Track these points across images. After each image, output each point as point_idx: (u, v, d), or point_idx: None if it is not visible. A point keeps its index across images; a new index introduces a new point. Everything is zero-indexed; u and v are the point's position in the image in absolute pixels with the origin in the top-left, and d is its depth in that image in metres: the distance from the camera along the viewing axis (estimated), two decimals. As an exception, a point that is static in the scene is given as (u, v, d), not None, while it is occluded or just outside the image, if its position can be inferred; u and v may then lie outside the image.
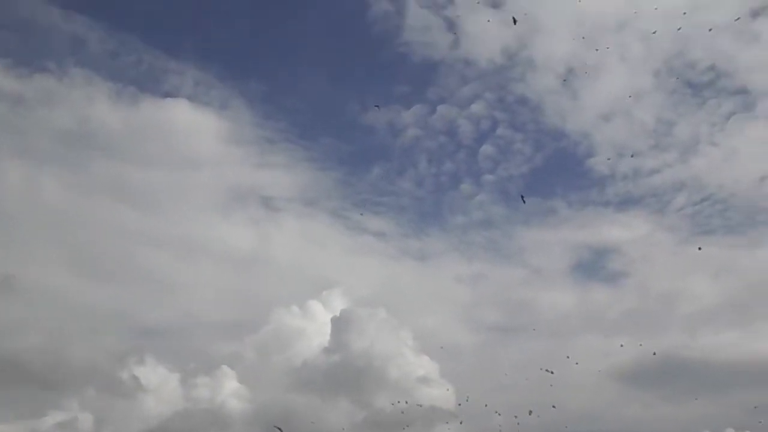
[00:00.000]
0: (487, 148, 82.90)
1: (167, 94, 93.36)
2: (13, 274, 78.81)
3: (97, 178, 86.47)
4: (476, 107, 75.17)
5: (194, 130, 78.63)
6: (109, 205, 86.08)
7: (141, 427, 58.43)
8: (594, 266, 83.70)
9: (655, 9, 31.44)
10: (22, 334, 66.41)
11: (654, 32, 30.45)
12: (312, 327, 65.75)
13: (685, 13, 31.90)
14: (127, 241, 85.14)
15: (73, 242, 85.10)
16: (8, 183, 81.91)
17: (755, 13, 31.55)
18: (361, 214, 71.87)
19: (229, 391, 61.77)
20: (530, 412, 35.79)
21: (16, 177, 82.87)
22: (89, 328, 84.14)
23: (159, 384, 62.49)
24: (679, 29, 31.92)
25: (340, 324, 65.19)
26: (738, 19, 31.32)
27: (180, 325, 78.24)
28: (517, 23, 28.06)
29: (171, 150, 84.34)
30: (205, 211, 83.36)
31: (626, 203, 76.83)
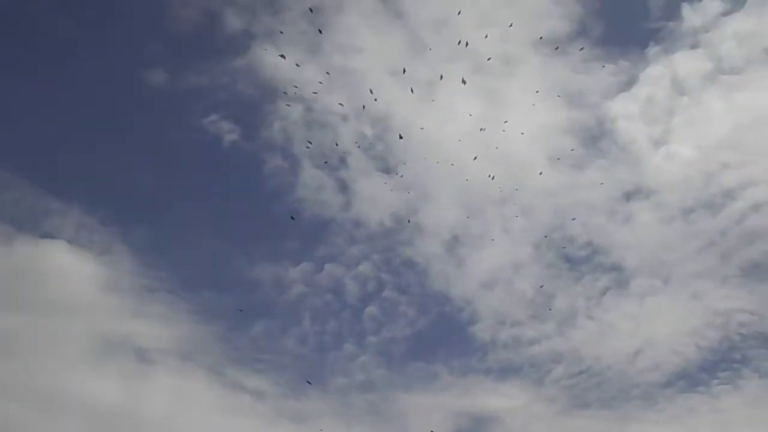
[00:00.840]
0: (372, 309, 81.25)
1: (45, 235, 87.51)
2: None
3: None
4: (363, 267, 74.69)
5: (70, 273, 74.40)
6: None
7: None
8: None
9: (535, 185, 32.63)
10: None
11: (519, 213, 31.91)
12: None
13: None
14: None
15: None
16: None
17: (628, 196, 33.31)
18: (254, 373, 69.42)
19: None
20: None
21: None
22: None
23: None
24: (557, 205, 33.19)
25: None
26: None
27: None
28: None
29: (42, 293, 78.47)
30: (72, 360, 77.64)
31: (506, 372, 76.55)
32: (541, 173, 31.72)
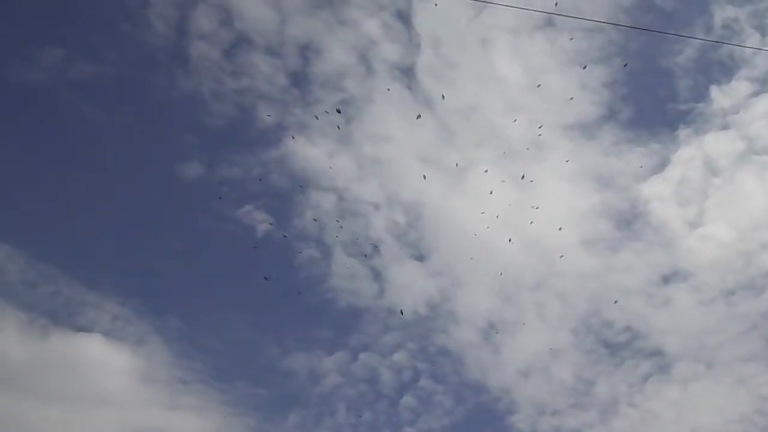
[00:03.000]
0: (408, 399, 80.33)
1: (81, 328, 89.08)
2: None
3: None
4: (398, 356, 74.20)
5: (105, 366, 75.02)
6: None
7: None
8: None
9: (569, 269, 32.31)
10: None
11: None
12: None
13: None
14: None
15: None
16: None
17: (666, 279, 32.82)
18: None
19: None
20: None
21: None
22: None
23: None
24: (593, 290, 32.76)
25: None
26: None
27: None
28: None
29: (78, 386, 79.40)
30: None
31: None
32: (561, 256, 31.57)
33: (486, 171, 25.82)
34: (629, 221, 33.96)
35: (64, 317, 38.13)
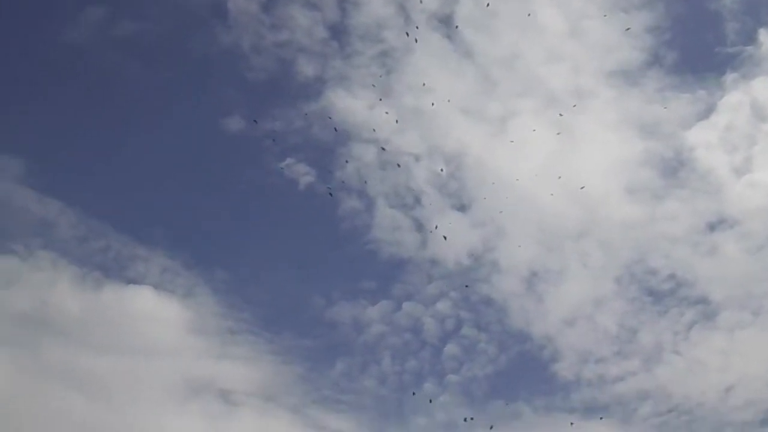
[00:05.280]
0: (451, 348, 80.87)
1: (132, 281, 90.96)
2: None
3: (50, 363, 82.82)
4: (441, 306, 74.77)
5: (156, 317, 76.87)
6: (60, 391, 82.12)
7: None
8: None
9: (613, 218, 32.12)
10: None
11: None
12: None
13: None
14: (75, 429, 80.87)
15: (21, 428, 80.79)
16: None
17: (712, 227, 32.34)
18: (335, 414, 68.92)
19: None
20: None
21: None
22: None
23: None
24: (637, 238, 32.54)
25: None
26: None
27: None
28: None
29: (130, 337, 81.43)
30: (159, 402, 79.79)
31: (591, 410, 74.49)
32: (614, 206, 31.35)
33: (527, 120, 25.70)
34: (674, 169, 33.36)
35: (116, 270, 39.24)
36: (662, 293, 32.17)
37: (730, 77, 34.19)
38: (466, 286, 33.82)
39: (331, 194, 32.98)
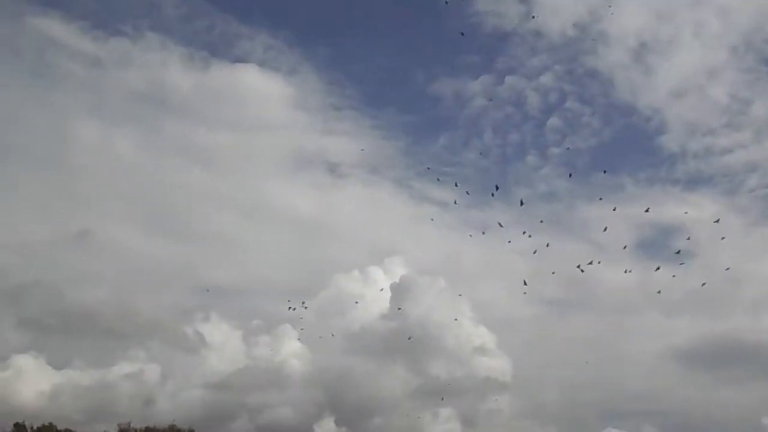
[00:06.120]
0: (554, 121, 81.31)
1: (237, 59, 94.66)
2: (89, 229, 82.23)
3: (167, 139, 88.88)
4: (545, 79, 73.52)
5: (262, 94, 79.81)
6: (179, 165, 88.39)
7: (203, 381, 60.53)
8: (658, 244, 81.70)
9: None
10: (94, 286, 69.44)
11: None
12: (371, 293, 66.45)
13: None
14: (194, 201, 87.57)
15: (144, 200, 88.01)
16: (85, 141, 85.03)
17: None
18: (438, 179, 70.73)
19: (289, 350, 63.25)
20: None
21: (92, 136, 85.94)
22: (156, 282, 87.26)
23: (222, 341, 64.45)
24: (759, 5, 30.48)
25: (399, 291, 65.68)
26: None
27: (243, 284, 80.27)
28: None
29: (239, 113, 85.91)
30: (270, 174, 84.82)
31: (696, 182, 73.80)
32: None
33: None
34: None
35: (221, 50, 40.30)
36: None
37: None
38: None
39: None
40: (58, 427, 42.71)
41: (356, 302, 62.20)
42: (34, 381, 54.69)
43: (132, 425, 44.89)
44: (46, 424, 42.49)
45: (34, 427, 42.08)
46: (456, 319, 60.26)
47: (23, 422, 42.16)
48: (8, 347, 64.15)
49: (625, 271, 33.10)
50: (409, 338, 55.74)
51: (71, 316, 66.17)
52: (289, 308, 44.11)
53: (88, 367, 58.25)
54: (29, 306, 67.38)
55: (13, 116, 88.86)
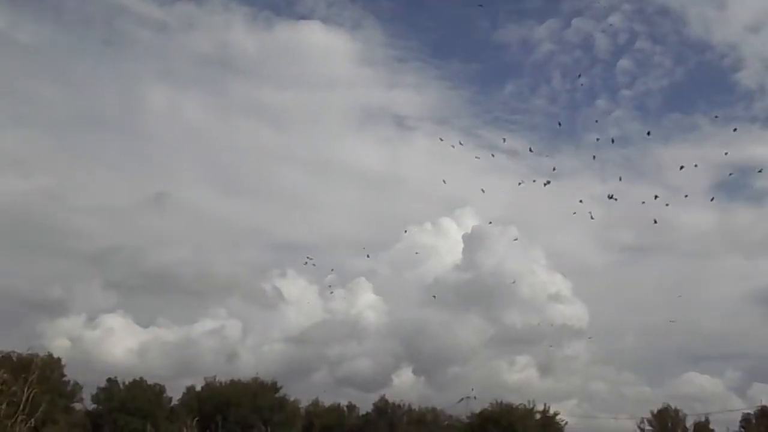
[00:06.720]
0: (624, 62, 78.11)
1: (301, 17, 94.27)
2: (164, 192, 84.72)
3: (235, 100, 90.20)
4: (613, 19, 70.50)
5: (327, 51, 79.61)
6: (247, 125, 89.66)
7: (283, 335, 62.27)
8: (737, 185, 78.65)
9: None
10: (173, 247, 71.96)
11: None
12: (444, 244, 66.49)
13: None
14: (265, 160, 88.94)
15: (216, 162, 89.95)
16: (154, 106, 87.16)
17: None
18: (507, 134, 69.18)
19: (365, 303, 64.27)
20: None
21: (161, 100, 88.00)
22: (232, 242, 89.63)
23: (299, 295, 65.98)
24: None
25: (471, 242, 65.56)
26: None
27: (316, 240, 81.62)
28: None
29: (305, 71, 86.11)
30: (338, 130, 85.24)
31: None
32: None
33: None
34: None
35: (284, 8, 40.15)
36: None
37: None
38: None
39: None
40: (148, 382, 44.58)
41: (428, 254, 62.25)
42: (122, 339, 57.47)
43: (217, 379, 46.54)
44: (137, 379, 44.41)
45: (126, 383, 44.01)
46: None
47: (115, 377, 44.22)
48: (97, 308, 67.41)
49: (704, 213, 31.78)
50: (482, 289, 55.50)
51: (154, 276, 68.97)
52: (367, 256, 44.52)
53: (173, 324, 60.76)
54: (114, 268, 70.48)
55: (86, 84, 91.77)
